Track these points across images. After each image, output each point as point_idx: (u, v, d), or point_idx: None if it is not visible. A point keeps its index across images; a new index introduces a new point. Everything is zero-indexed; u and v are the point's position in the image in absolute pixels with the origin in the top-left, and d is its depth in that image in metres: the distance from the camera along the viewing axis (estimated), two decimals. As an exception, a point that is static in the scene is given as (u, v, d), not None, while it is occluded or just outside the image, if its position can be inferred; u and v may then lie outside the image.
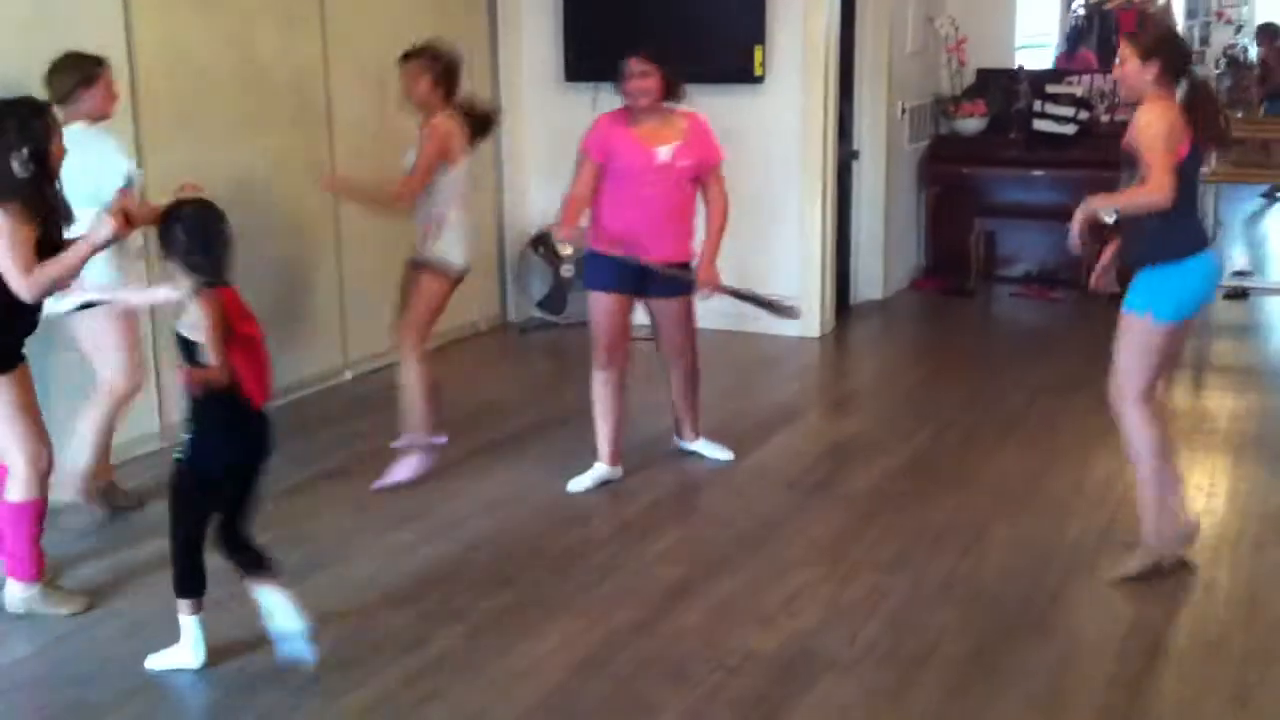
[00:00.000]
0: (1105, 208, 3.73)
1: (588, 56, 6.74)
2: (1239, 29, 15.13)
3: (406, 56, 4.61)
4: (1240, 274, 7.98)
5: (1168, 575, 3.87)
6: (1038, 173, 7.75)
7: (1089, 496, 4.58)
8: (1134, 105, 3.68)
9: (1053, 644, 3.49)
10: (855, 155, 7.38)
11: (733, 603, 3.77)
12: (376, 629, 3.59)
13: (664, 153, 4.54)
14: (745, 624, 3.63)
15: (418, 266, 4.65)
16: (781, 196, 6.80)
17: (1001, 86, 8.07)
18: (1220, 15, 15.56)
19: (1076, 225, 3.72)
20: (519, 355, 6.98)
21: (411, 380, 4.68)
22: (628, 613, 3.70)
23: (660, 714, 3.15)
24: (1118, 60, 3.75)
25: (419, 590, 3.85)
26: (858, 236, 7.56)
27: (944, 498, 4.58)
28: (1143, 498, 3.89)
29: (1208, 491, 4.64)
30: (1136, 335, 3.76)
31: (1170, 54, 3.68)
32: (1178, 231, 3.66)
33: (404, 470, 4.69)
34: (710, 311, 6.78)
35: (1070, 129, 7.74)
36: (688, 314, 4.82)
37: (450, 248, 4.63)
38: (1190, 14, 15.13)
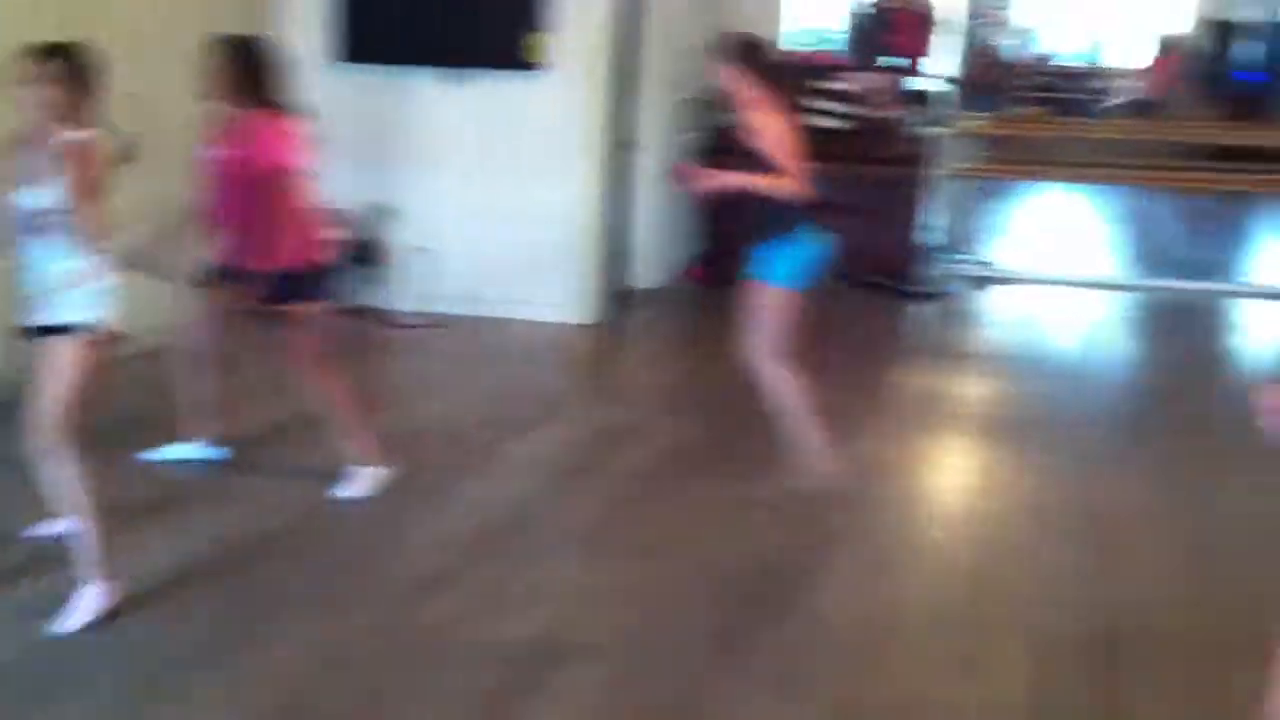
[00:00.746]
0: (742, 184, 4.30)
1: (367, 37, 6.66)
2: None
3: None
4: (987, 264, 8.41)
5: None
6: (812, 166, 7.95)
7: (840, 481, 4.73)
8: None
9: (796, 624, 3.62)
10: (635, 146, 7.46)
11: (483, 592, 3.76)
12: (113, 629, 3.44)
13: None
14: (494, 614, 3.63)
15: None
16: (559, 185, 6.85)
17: (778, 80, 8.25)
18: (988, 17, 16.37)
19: (709, 185, 4.41)
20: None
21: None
22: (373, 607, 3.65)
23: (404, 709, 3.13)
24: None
25: (161, 589, 3.70)
26: (636, 226, 7.66)
27: (703, 483, 4.68)
28: (796, 435, 4.45)
29: (957, 472, 4.90)
30: (770, 302, 4.38)
31: (754, 60, 4.34)
32: (794, 211, 4.30)
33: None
34: (480, 299, 6.86)
35: (844, 124, 8.01)
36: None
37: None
38: (972, 16, 15.87)
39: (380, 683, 3.24)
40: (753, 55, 4.37)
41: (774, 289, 4.42)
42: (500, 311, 6.85)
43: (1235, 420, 5.67)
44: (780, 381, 4.50)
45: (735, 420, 5.38)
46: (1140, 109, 14.82)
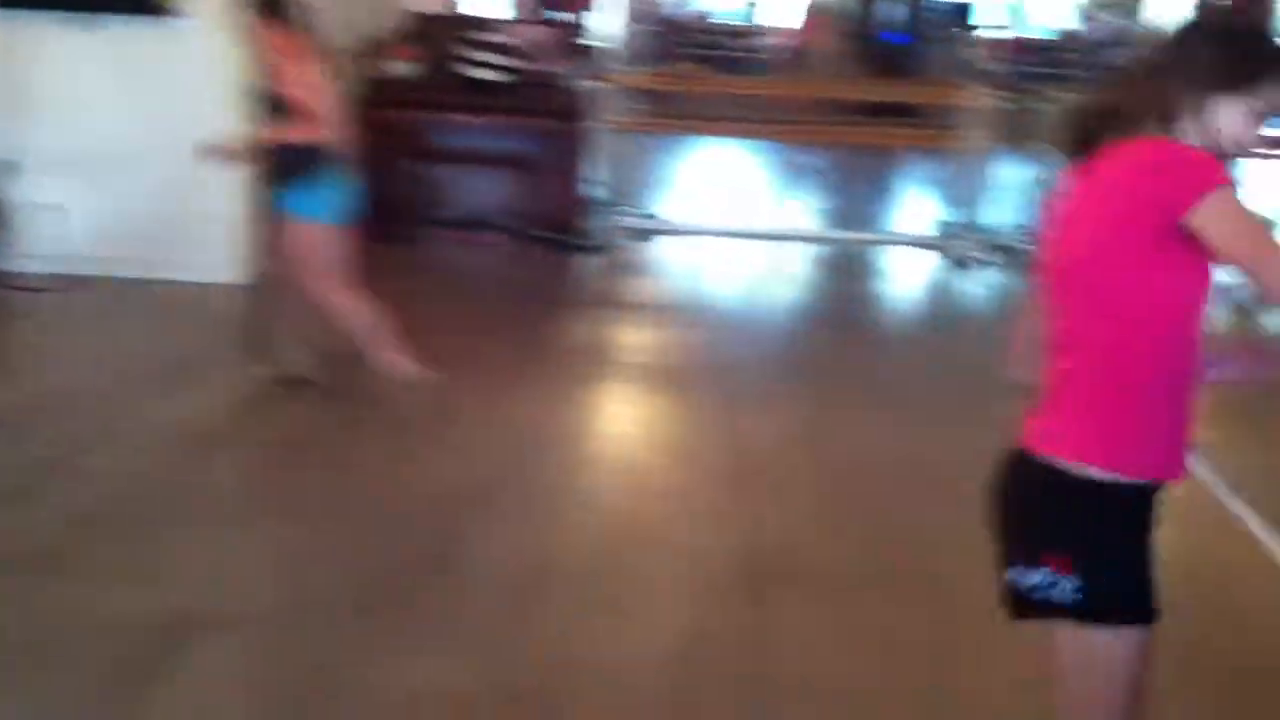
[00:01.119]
0: (275, 137, 4.57)
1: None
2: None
3: None
4: (651, 217, 8.56)
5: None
6: (474, 119, 7.86)
7: (495, 434, 4.70)
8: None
9: (452, 579, 3.55)
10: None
11: (112, 568, 3.52)
12: None
13: None
14: (124, 590, 3.38)
15: None
16: (199, 138, 6.43)
17: (436, 32, 8.10)
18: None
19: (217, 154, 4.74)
20: None
21: None
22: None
23: (28, 692, 2.88)
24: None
25: None
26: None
27: (352, 446, 4.53)
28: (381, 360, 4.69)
29: (617, 420, 4.94)
30: (307, 239, 4.66)
31: (278, 11, 4.61)
32: (323, 154, 4.60)
33: None
34: (118, 260, 6.38)
35: (505, 77, 7.93)
36: None
37: None
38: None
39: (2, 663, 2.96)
40: (276, 6, 4.62)
41: (309, 225, 4.67)
42: (141, 272, 6.40)
43: (880, 363, 6.06)
44: (350, 313, 4.74)
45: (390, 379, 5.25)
46: (792, 66, 15.47)
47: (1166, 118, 1.96)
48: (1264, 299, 1.94)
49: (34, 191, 6.26)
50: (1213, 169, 1.87)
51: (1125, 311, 1.95)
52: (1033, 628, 2.07)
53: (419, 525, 3.89)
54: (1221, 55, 1.97)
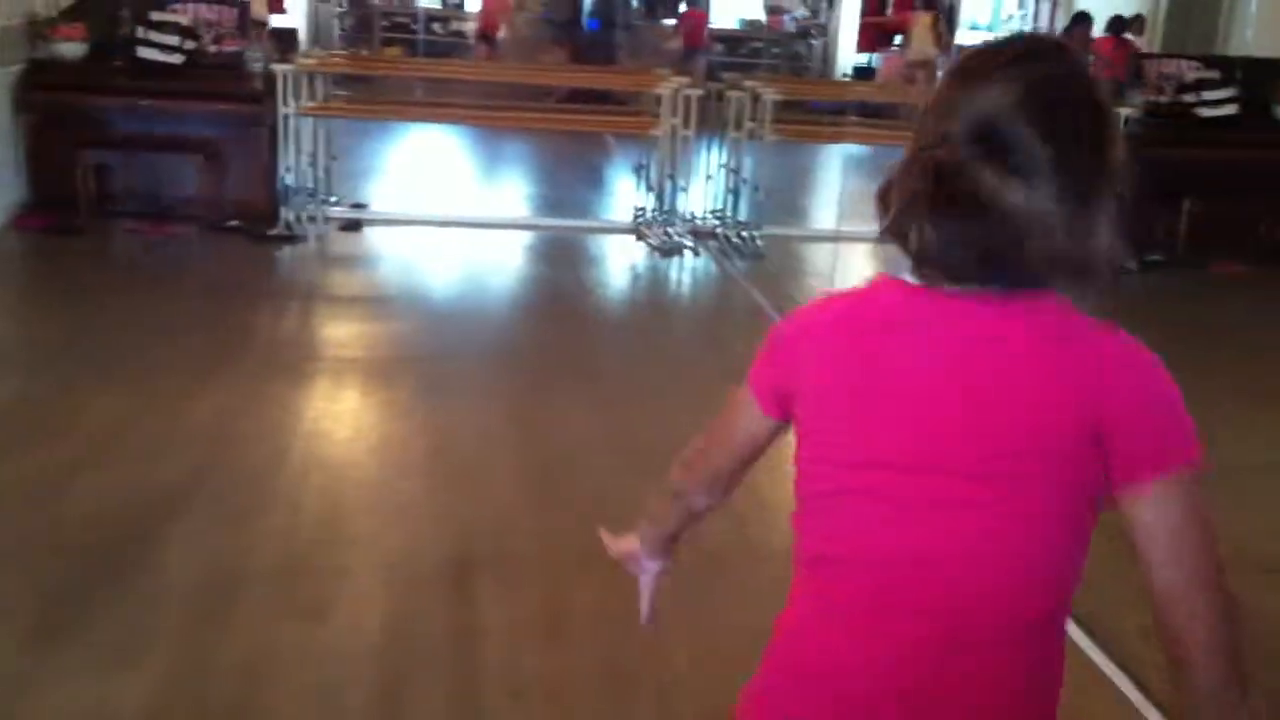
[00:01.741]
0: None
1: None
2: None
3: None
4: (354, 205, 8.33)
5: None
6: (147, 102, 7.42)
7: (184, 436, 4.44)
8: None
9: (137, 589, 3.33)
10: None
11: None
12: None
13: None
14: None
15: None
16: None
17: (104, 10, 7.59)
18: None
19: None
20: None
21: None
22: None
23: None
24: None
25: None
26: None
27: (36, 447, 4.20)
28: None
29: (314, 416, 4.76)
30: None
31: None
32: None
33: None
34: None
35: (177, 58, 7.51)
36: None
37: None
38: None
39: None
40: None
41: None
42: None
43: (589, 348, 6.09)
44: None
45: (69, 378, 4.90)
46: (482, 50, 15.40)
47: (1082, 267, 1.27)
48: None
49: None
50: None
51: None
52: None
53: (99, 538, 3.62)
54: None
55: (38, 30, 7.43)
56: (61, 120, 7.32)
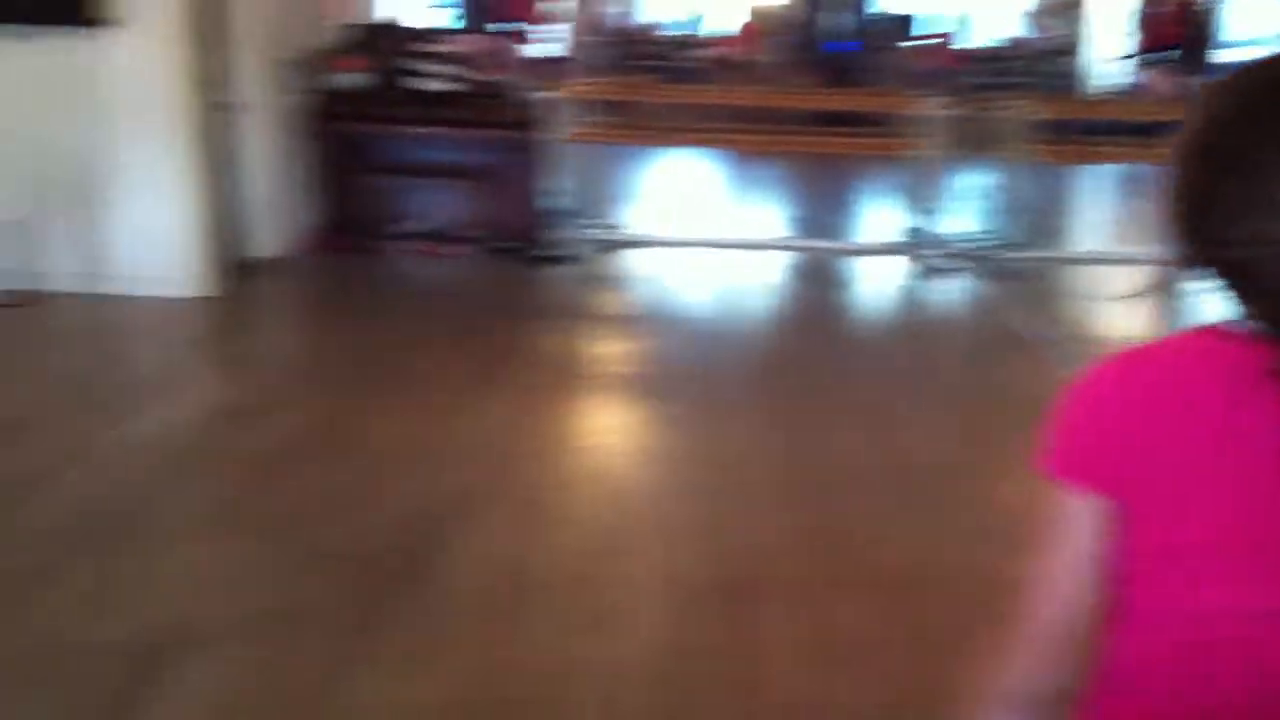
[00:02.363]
0: None
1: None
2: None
3: None
4: (615, 228, 8.51)
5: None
6: (427, 130, 7.78)
7: (468, 449, 4.61)
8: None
9: (432, 596, 3.48)
10: (235, 108, 7.02)
11: (94, 587, 3.43)
12: None
13: None
14: (107, 608, 3.31)
15: None
16: (150, 152, 6.33)
17: (383, 43, 8.01)
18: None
19: None
20: None
21: None
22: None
23: (22, 713, 2.79)
24: None
25: None
26: (249, 194, 7.22)
27: (335, 458, 4.45)
28: None
29: (591, 430, 4.89)
30: None
31: None
32: None
33: None
34: (79, 275, 6.27)
35: (450, 88, 7.86)
36: None
37: None
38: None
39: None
40: None
41: None
42: (105, 288, 6.29)
43: (852, 370, 6.04)
44: None
45: (363, 394, 5.16)
46: (732, 74, 15.50)
47: None
48: None
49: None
50: None
51: None
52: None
53: (394, 540, 3.81)
54: None
55: (322, 63, 7.89)
56: (346, 148, 7.76)
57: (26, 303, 6.10)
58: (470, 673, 3.09)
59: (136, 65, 6.19)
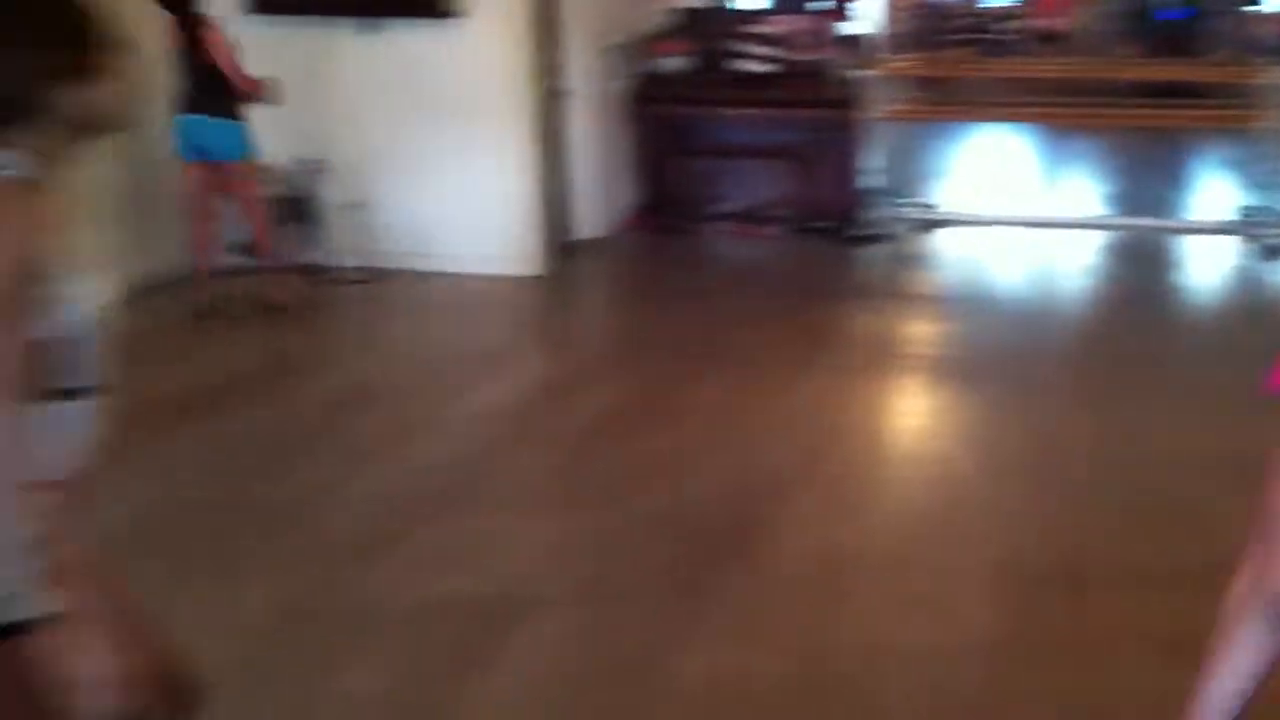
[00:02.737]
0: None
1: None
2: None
3: None
4: (930, 206, 8.38)
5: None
6: (744, 111, 7.89)
7: (785, 425, 4.70)
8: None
9: (754, 570, 3.58)
10: (565, 94, 7.33)
11: (434, 550, 3.70)
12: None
13: None
14: (447, 570, 3.57)
15: None
16: (490, 137, 6.71)
17: (704, 26, 8.17)
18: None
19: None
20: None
21: None
22: (322, 565, 3.58)
23: (366, 665, 3.07)
24: None
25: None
26: (573, 176, 7.54)
27: (655, 432, 4.62)
28: None
29: (908, 411, 4.88)
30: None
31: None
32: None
33: None
34: (419, 254, 6.73)
35: (769, 69, 7.93)
36: None
37: None
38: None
39: (337, 638, 3.17)
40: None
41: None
42: (440, 266, 6.72)
43: (1180, 354, 5.75)
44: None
45: (680, 370, 5.33)
46: (1055, 46, 14.86)
47: None
48: None
49: (339, 190, 6.65)
50: None
51: None
52: None
53: (717, 514, 3.94)
54: None
55: (645, 47, 8.12)
56: (665, 130, 7.96)
57: (372, 279, 6.60)
58: (799, 651, 3.16)
59: (480, 54, 6.57)
